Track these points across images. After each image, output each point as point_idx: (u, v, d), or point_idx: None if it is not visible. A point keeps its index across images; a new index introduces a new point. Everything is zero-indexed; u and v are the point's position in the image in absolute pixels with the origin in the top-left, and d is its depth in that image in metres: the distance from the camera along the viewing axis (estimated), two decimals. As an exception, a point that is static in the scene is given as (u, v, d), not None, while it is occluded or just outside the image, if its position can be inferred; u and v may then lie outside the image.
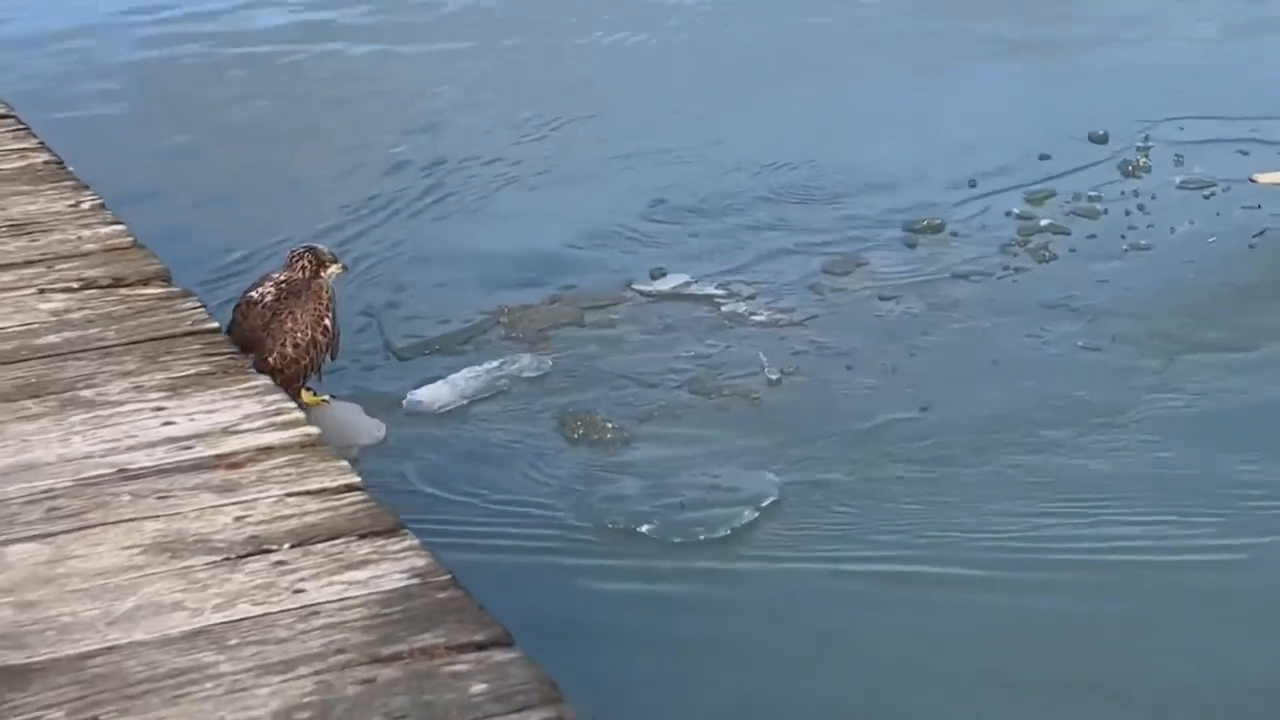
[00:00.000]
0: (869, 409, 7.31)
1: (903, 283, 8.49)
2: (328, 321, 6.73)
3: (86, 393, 4.08)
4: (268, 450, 3.92)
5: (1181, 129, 10.37)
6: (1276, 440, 7.10)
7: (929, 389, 7.43)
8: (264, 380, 4.20)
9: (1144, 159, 9.84)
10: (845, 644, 5.99)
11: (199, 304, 4.39)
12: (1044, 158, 10.03)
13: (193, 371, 4.18)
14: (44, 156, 5.48)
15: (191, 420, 3.98)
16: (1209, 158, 9.87)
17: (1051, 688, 5.71)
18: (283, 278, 6.74)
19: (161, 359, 4.16)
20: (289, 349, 6.53)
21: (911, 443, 7.02)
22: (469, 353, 7.87)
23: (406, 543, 3.52)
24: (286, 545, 3.55)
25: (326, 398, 6.92)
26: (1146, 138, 10.25)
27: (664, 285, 8.45)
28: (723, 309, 8.23)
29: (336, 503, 3.69)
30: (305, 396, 6.80)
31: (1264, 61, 11.70)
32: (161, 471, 3.80)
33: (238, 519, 3.64)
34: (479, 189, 9.80)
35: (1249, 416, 7.28)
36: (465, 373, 7.62)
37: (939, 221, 9.10)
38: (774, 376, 7.53)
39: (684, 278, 8.55)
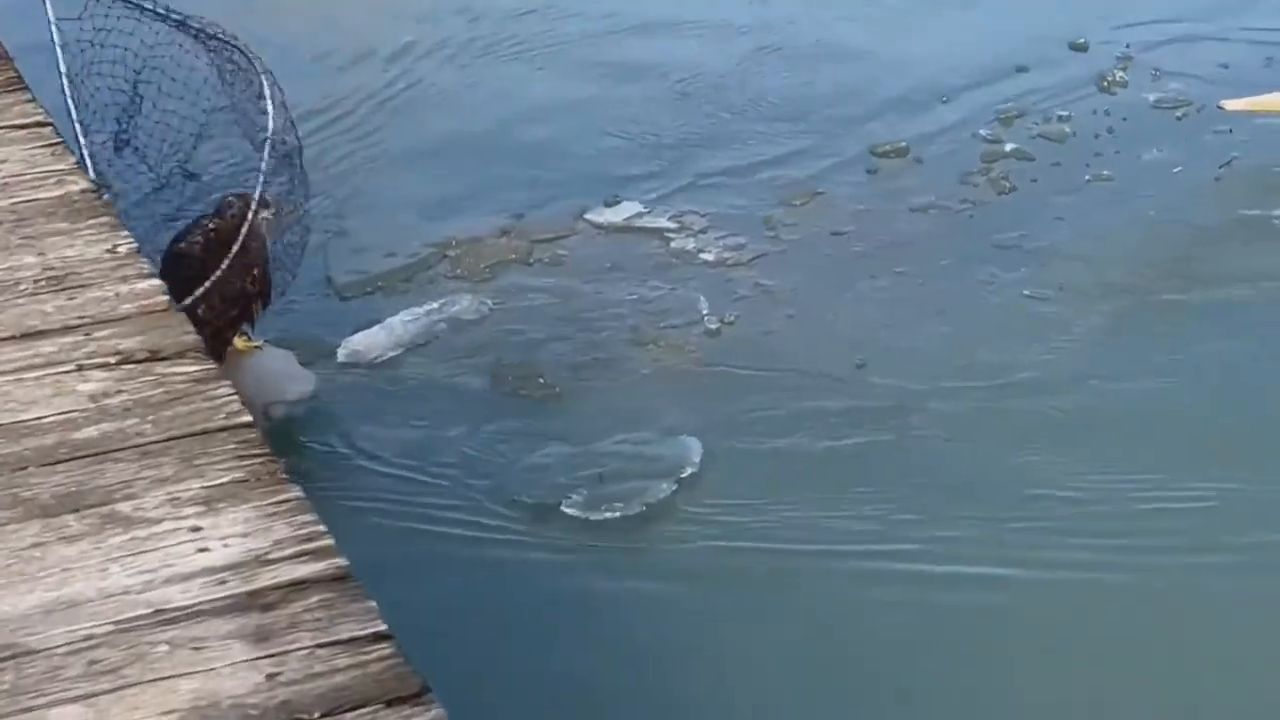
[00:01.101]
0: (804, 364, 7.27)
1: (858, 215, 8.38)
2: (257, 270, 6.69)
3: (125, 506, 4.11)
4: (300, 587, 3.95)
5: (1165, 36, 10.11)
6: (1221, 398, 6.97)
7: (867, 343, 7.38)
8: (295, 493, 4.22)
9: (1121, 73, 9.66)
10: (748, 627, 5.96)
11: (231, 392, 4.39)
12: (1021, 69, 9.84)
13: (228, 479, 4.20)
14: (81, 183, 5.39)
15: (226, 546, 4.00)
16: (1189, 71, 9.67)
17: (982, 656, 5.80)
18: (212, 226, 6.69)
19: (197, 462, 4.20)
20: (217, 301, 6.51)
21: (841, 405, 7.00)
22: (411, 291, 7.84)
23: (432, 714, 3.57)
24: (317, 714, 3.59)
25: (260, 343, 6.90)
26: (1127, 46, 10.02)
27: (616, 216, 8.37)
28: (671, 245, 8.16)
29: (365, 657, 3.72)
30: (238, 342, 6.80)
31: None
32: (197, 614, 3.83)
33: (270, 677, 3.67)
34: (438, 101, 9.64)
35: (1194, 373, 7.16)
36: (404, 315, 7.58)
37: (903, 145, 8.98)
38: (713, 326, 7.48)
39: (637, 207, 8.48)
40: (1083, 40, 10.06)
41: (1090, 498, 6.45)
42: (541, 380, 7.10)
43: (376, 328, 7.48)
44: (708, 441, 6.74)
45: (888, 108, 9.48)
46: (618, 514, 6.39)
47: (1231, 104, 8.70)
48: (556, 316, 7.59)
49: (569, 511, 6.40)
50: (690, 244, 8.12)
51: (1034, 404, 6.94)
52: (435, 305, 7.64)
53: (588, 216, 8.39)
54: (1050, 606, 6.07)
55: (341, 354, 7.32)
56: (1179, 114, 9.22)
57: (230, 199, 6.76)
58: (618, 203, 8.49)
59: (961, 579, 6.18)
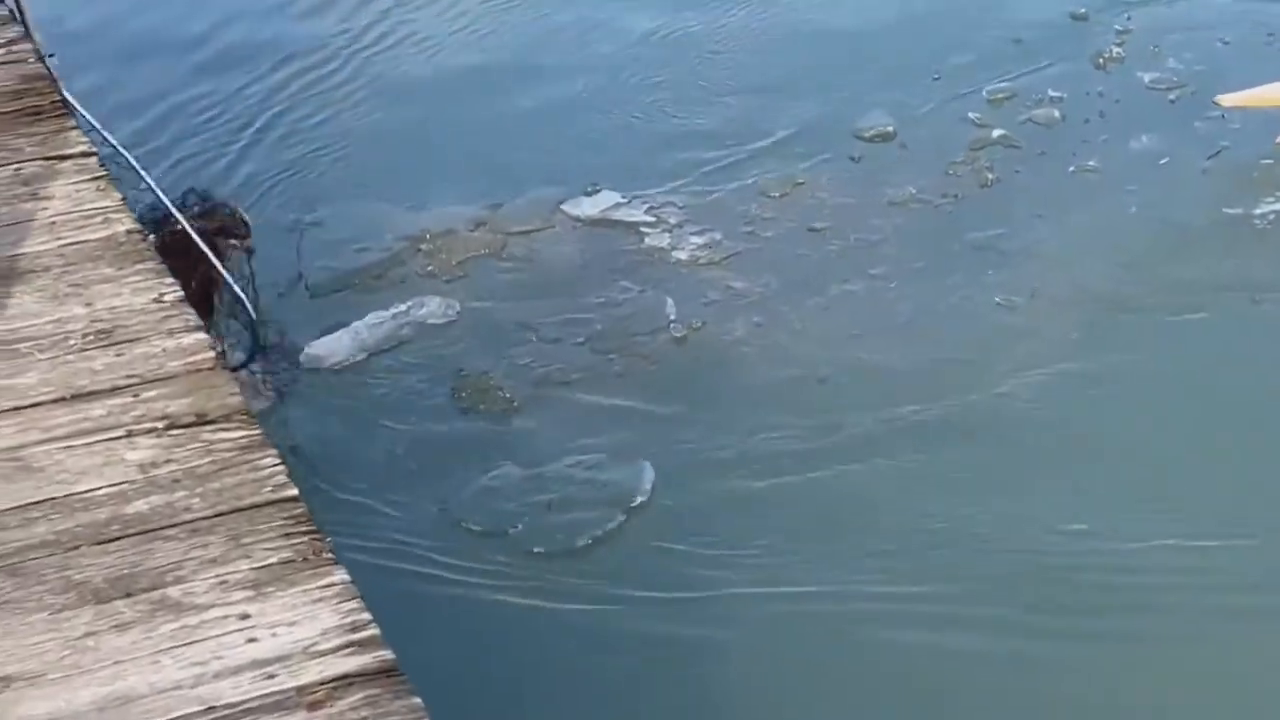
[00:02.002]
0: (766, 377, 7.25)
1: (837, 209, 8.31)
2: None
3: (175, 591, 4.16)
4: (345, 683, 4.01)
5: (1168, 6, 9.93)
6: (1188, 419, 6.91)
7: (832, 356, 7.33)
8: (341, 575, 4.23)
9: (1118, 49, 9.52)
10: (691, 669, 5.97)
11: (277, 460, 4.44)
12: (1017, 42, 9.68)
13: (275, 560, 4.24)
14: (126, 223, 5.37)
15: (274, 635, 4.04)
16: (1188, 46, 9.50)
17: (949, 688, 5.76)
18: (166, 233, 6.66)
19: (245, 540, 4.24)
20: None
21: (798, 428, 6.94)
22: (381, 289, 7.84)
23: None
24: None
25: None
26: (1128, 18, 9.86)
27: (594, 208, 8.32)
28: (646, 241, 8.11)
29: (408, 759, 3.82)
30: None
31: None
32: (247, 710, 3.86)
33: (315, 778, 3.77)
34: (419, 80, 9.59)
35: (1163, 389, 7.10)
36: (370, 319, 7.59)
37: (889, 129, 8.87)
38: (679, 334, 7.45)
39: (616, 197, 8.42)
40: (1083, 10, 9.87)
41: (1058, 536, 6.39)
42: (500, 393, 7.10)
43: (341, 332, 7.48)
44: (661, 465, 6.75)
45: (877, 85, 9.38)
46: (565, 544, 6.36)
47: (1227, 99, 8.56)
48: (523, 321, 7.57)
49: (515, 541, 6.38)
50: (665, 240, 8.07)
51: (995, 428, 6.87)
52: (403, 307, 7.64)
53: (565, 208, 8.36)
54: (1026, 647, 6.01)
55: (303, 359, 7.33)
56: (1172, 96, 9.09)
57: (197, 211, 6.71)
58: (596, 192, 8.44)
59: (919, 618, 6.14)
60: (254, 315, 6.54)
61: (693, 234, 8.11)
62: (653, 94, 9.29)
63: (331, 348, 7.36)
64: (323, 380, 7.24)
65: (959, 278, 7.74)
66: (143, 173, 6.57)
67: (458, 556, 6.37)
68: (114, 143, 6.51)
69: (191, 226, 6.58)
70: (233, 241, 6.77)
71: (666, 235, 8.08)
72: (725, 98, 9.26)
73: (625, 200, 8.36)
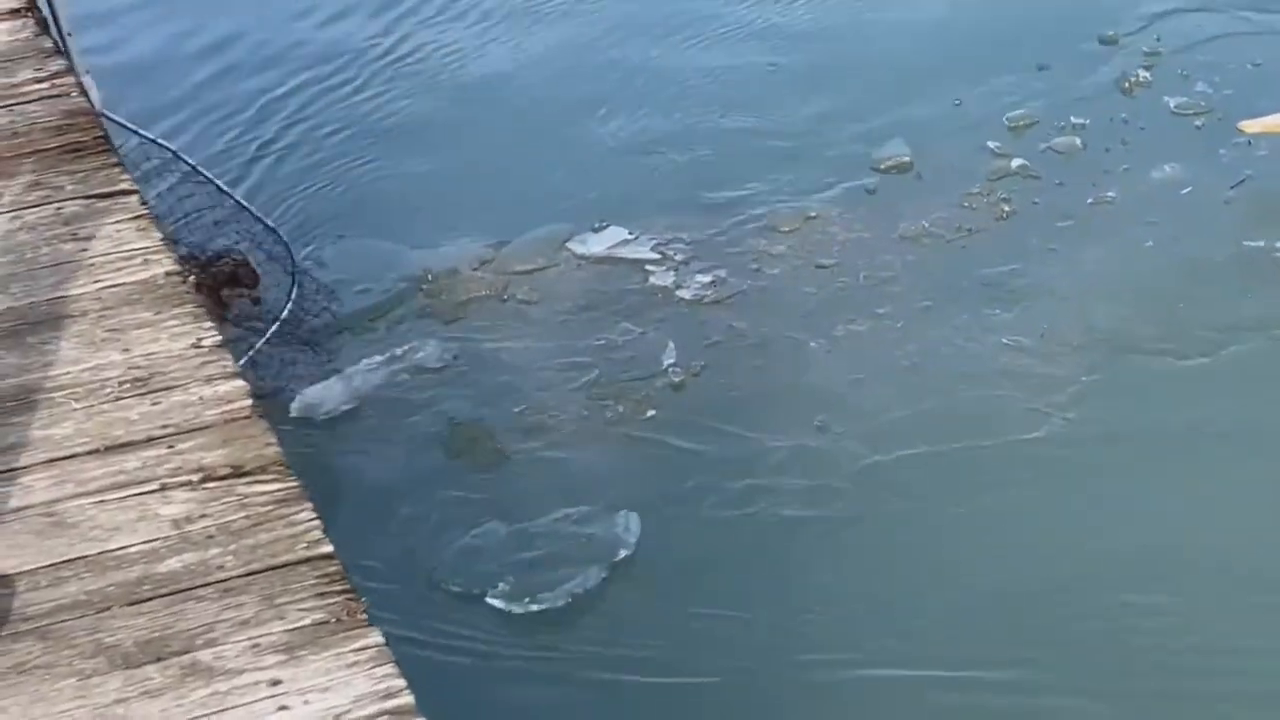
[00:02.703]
0: (765, 424, 7.09)
1: (846, 244, 8.15)
2: None
3: (206, 655, 4.09)
4: None
5: (1199, 29, 9.70)
6: (1204, 471, 6.70)
7: (832, 400, 7.18)
8: (376, 638, 4.16)
9: (1145, 73, 9.30)
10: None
11: (313, 515, 4.39)
12: (1042, 67, 9.49)
13: (308, 621, 4.17)
14: (166, 264, 5.31)
15: (306, 703, 3.97)
16: (1217, 69, 9.28)
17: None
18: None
19: (278, 601, 4.18)
20: None
21: (794, 480, 6.80)
22: (379, 333, 7.77)
23: None
24: None
25: None
26: (1158, 39, 9.64)
27: (599, 245, 8.20)
28: (650, 280, 7.98)
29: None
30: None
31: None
32: None
33: None
34: (426, 112, 9.49)
35: (1171, 437, 6.90)
36: (365, 363, 7.50)
37: (907, 159, 8.69)
38: (677, 378, 7.31)
39: (623, 233, 8.30)
40: (1112, 33, 9.66)
41: (1057, 600, 6.22)
42: (491, 443, 6.99)
43: (334, 379, 7.40)
44: (650, 517, 6.61)
45: (898, 112, 9.20)
46: (543, 606, 6.26)
47: (1251, 125, 8.33)
48: (519, 366, 7.45)
49: (494, 603, 6.31)
50: (669, 279, 7.93)
51: (993, 479, 6.70)
52: (399, 352, 7.54)
53: (571, 245, 8.24)
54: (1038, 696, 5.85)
55: (294, 408, 7.25)
56: (1198, 122, 8.86)
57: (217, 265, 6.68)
58: (604, 228, 8.29)
59: (928, 682, 5.97)
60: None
61: (698, 271, 7.97)
62: (668, 125, 9.15)
63: (323, 396, 7.26)
64: (311, 430, 7.11)
65: (967, 317, 7.56)
66: (223, 187, 6.56)
67: (437, 620, 6.27)
68: (172, 149, 6.51)
69: (199, 277, 6.53)
70: (240, 291, 6.71)
71: (671, 273, 7.95)
72: (741, 129, 9.12)
73: (633, 236, 8.23)
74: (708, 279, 7.90)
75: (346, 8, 10.57)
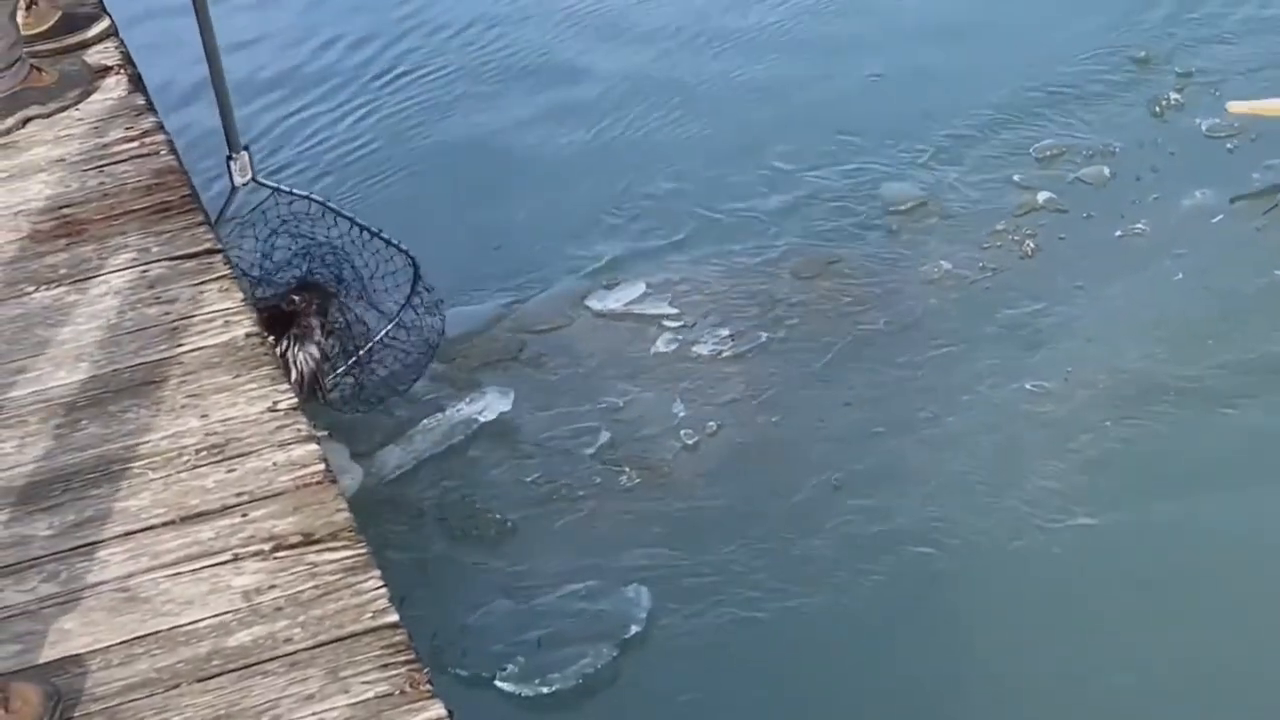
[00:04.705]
0: (778, 489, 6.94)
1: (868, 290, 7.97)
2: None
3: None
4: None
5: (1232, 47, 9.45)
6: (1239, 514, 6.48)
7: (849, 457, 7.01)
8: (439, 710, 4.16)
9: (1177, 95, 9.07)
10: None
11: (380, 583, 4.43)
12: (1073, 90, 9.34)
13: (371, 695, 4.19)
14: (246, 326, 5.32)
15: None
16: (1251, 88, 9.03)
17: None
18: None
19: (343, 673, 4.21)
20: None
21: (807, 545, 6.63)
22: (385, 410, 7.55)
23: None
24: None
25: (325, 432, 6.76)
26: (1191, 58, 9.43)
27: (616, 302, 8.06)
28: (666, 335, 7.85)
29: None
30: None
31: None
32: None
33: None
34: (444, 163, 9.35)
35: (1198, 488, 6.69)
36: (382, 449, 7.34)
37: (929, 199, 8.51)
38: (691, 440, 7.16)
39: (641, 288, 8.15)
40: (1144, 54, 9.42)
41: (1082, 680, 6.01)
42: (497, 516, 6.86)
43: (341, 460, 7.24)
44: (660, 590, 6.46)
45: (924, 145, 8.99)
46: (553, 687, 6.13)
47: (1237, 106, 8.42)
48: (531, 432, 7.34)
49: (502, 686, 6.16)
50: (687, 334, 7.79)
51: (1015, 549, 6.52)
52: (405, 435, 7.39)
53: (588, 302, 8.07)
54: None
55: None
56: (1230, 145, 8.62)
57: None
58: (621, 284, 8.14)
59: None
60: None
61: (715, 324, 7.82)
62: (684, 174, 8.95)
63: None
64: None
65: (990, 363, 7.38)
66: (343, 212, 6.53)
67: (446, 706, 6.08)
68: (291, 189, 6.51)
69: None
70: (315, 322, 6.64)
71: (689, 329, 7.81)
72: (755, 168, 8.90)
73: (650, 291, 8.09)
74: (726, 332, 7.76)
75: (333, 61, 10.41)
